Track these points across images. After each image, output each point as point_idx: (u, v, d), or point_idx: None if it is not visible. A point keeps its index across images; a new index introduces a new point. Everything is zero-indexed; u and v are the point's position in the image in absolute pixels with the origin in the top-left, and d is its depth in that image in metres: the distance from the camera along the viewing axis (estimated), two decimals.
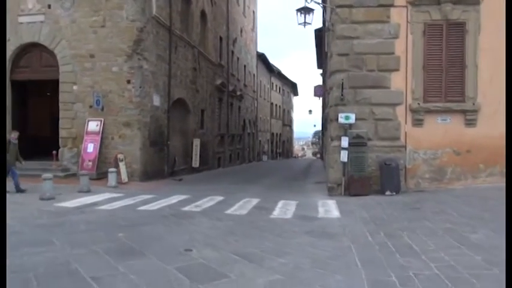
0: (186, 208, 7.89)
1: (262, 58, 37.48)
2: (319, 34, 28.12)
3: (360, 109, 9.98)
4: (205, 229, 6.08)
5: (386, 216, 7.01)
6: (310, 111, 43.86)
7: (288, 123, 54.69)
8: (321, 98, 28.45)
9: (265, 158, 39.11)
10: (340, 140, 9.92)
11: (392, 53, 9.91)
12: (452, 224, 6.09)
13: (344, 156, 9.82)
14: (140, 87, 12.81)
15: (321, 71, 44.19)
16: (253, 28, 35.03)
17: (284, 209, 8.05)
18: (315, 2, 9.84)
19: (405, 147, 9.96)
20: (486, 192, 8.81)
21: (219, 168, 22.63)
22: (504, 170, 9.74)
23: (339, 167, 9.99)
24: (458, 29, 9.81)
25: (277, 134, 47.64)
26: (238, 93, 27.48)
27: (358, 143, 9.85)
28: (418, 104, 9.86)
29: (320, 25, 27.40)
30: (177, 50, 15.73)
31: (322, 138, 44.78)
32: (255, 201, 8.99)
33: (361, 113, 9.96)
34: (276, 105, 46.83)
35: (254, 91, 34.62)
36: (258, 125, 36.18)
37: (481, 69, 9.76)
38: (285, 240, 5.45)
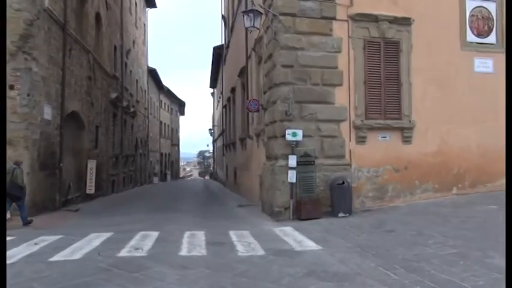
0: (124, 253, 5.85)
1: (152, 74, 35.08)
2: (218, 52, 27.50)
3: (306, 125, 9.21)
4: (180, 286, 4.32)
5: (371, 243, 6.17)
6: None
7: (176, 143, 52.35)
8: (220, 115, 27.53)
9: (156, 180, 36.23)
10: (287, 158, 8.96)
11: (336, 67, 9.47)
12: (454, 248, 5.52)
13: (292, 176, 8.86)
14: (28, 95, 9.96)
15: (211, 90, 43.63)
16: (144, 41, 32.59)
17: (244, 242, 6.62)
18: (261, 6, 8.85)
19: (350, 165, 9.50)
20: (433, 209, 8.78)
21: (113, 194, 19.65)
22: (436, 186, 10.05)
23: (286, 189, 8.98)
24: (393, 47, 9.88)
25: (166, 154, 44.99)
26: (132, 109, 24.76)
27: (306, 162, 9.02)
28: (362, 121, 9.55)
29: (219, 42, 26.74)
30: (72, 54, 13.02)
31: (214, 157, 43.72)
32: (200, 234, 7.32)
33: (307, 130, 9.19)
34: (165, 124, 44.37)
35: (145, 108, 31.94)
36: (149, 144, 33.37)
37: (414, 87, 9.96)
38: None
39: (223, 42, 25.31)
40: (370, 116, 9.65)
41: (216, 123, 37.93)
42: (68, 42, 12.49)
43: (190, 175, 71.60)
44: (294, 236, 7.04)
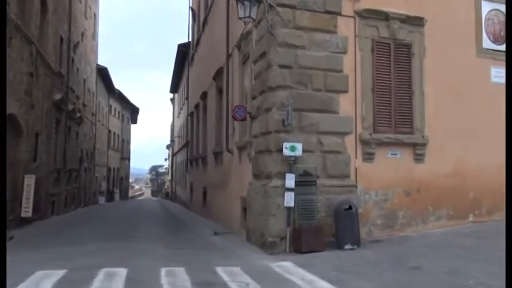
0: None
1: (102, 73, 33.75)
2: (184, 50, 26.76)
3: (306, 138, 8.75)
4: None
5: (400, 284, 5.72)
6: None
7: (126, 157, 50.63)
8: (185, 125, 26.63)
9: (102, 200, 34.58)
10: (282, 178, 8.43)
11: (341, 71, 9.13)
12: None
13: (290, 199, 8.33)
14: None
15: (172, 95, 42.66)
16: (94, 35, 31.38)
17: (241, 283, 5.97)
18: None
19: (356, 186, 9.10)
20: (453, 240, 8.53)
21: (53, 217, 18.28)
22: (451, 213, 9.84)
23: (282, 215, 8.42)
24: (405, 50, 9.70)
25: (114, 169, 43.29)
26: (78, 114, 23.48)
27: (306, 182, 8.54)
28: (370, 134, 9.21)
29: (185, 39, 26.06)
30: (12, 43, 11.95)
31: (172, 174, 42.47)
32: (180, 272, 6.58)
33: (307, 143, 8.73)
34: (115, 133, 42.82)
35: (93, 114, 30.53)
36: (95, 157, 31.85)
37: (427, 97, 9.78)
38: None
39: (190, 40, 24.65)
40: (378, 129, 9.34)
41: (177, 134, 36.89)
42: (8, 29, 11.44)
43: (141, 194, 69.38)
44: (299, 275, 6.47)
